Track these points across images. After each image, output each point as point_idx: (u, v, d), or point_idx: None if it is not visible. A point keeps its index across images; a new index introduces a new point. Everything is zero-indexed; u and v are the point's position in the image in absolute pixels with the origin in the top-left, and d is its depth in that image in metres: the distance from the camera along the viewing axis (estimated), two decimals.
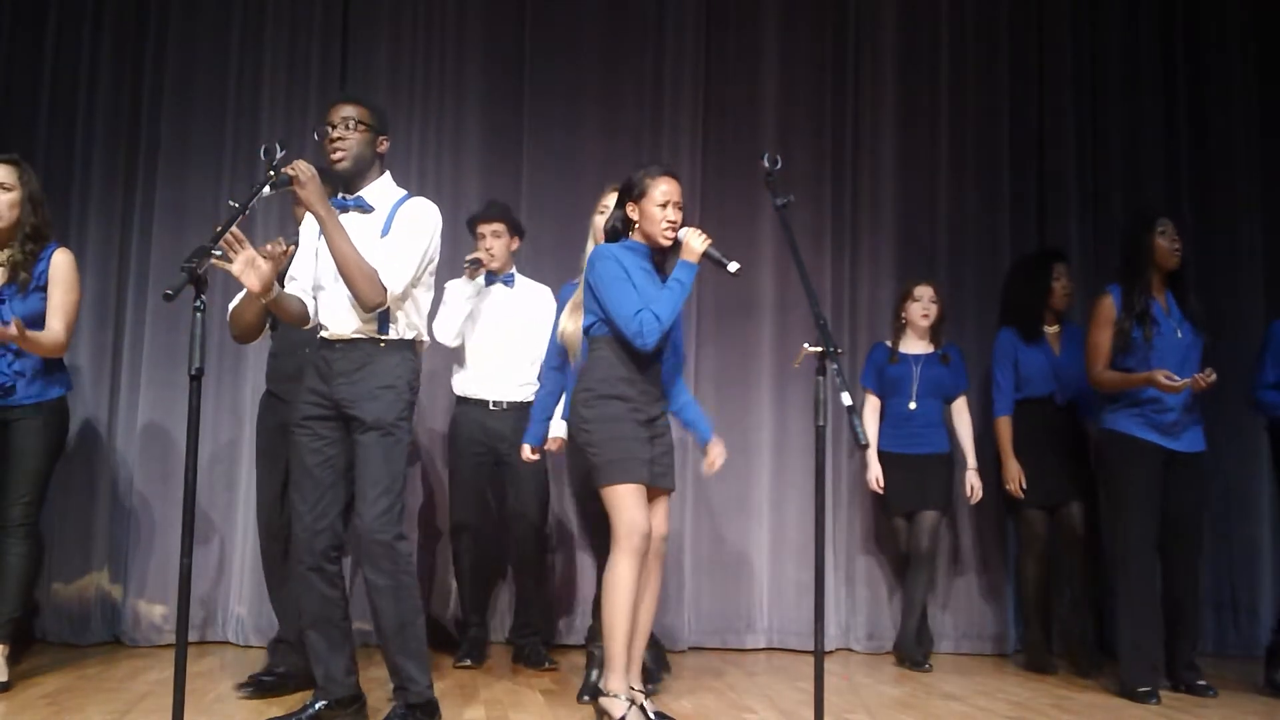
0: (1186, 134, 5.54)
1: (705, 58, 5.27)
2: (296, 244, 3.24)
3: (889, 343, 4.82)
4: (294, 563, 3.11)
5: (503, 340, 4.37)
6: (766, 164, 3.16)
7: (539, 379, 3.95)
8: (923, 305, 4.72)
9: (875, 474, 4.67)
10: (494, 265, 4.35)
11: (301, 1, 5.01)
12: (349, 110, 3.09)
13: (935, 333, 4.76)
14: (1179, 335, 4.03)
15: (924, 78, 5.42)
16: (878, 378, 4.79)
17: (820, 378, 2.87)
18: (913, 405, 4.67)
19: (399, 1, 5.11)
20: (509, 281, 4.44)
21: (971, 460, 4.70)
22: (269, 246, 3.07)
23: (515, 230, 4.45)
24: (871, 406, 4.76)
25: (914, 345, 4.77)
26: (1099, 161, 5.50)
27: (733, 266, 3.21)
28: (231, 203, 2.85)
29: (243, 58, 4.96)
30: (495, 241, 4.35)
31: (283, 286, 3.13)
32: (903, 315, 4.78)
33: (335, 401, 3.04)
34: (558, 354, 3.76)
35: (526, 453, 3.83)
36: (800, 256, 3.09)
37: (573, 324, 3.65)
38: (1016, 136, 5.45)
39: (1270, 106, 5.56)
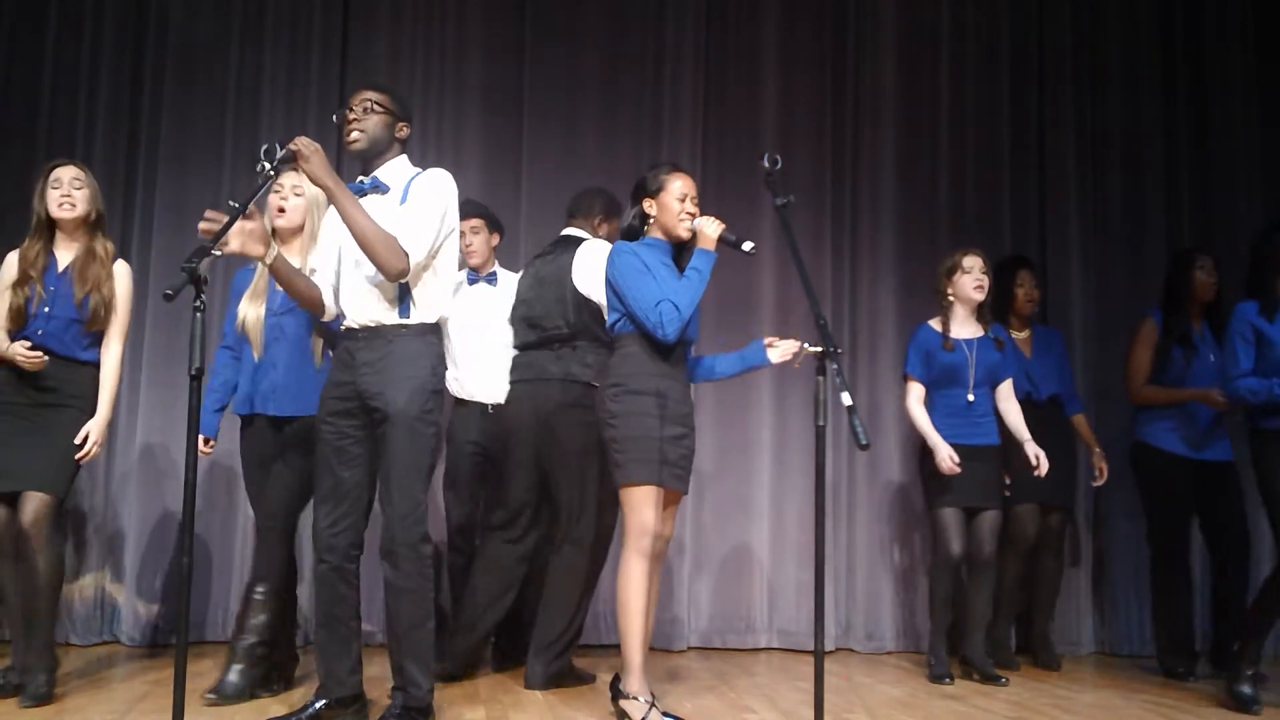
0: (1186, 132, 5.55)
1: (705, 58, 5.28)
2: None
3: (935, 325, 4.33)
4: (315, 560, 3.09)
5: (491, 340, 4.34)
6: (766, 164, 3.16)
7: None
8: (974, 276, 4.27)
9: (947, 451, 4.14)
10: (474, 262, 4.33)
11: (302, 2, 5.02)
12: (368, 94, 3.10)
13: (982, 311, 4.33)
14: (1211, 359, 4.40)
15: (924, 78, 5.43)
16: (926, 364, 4.29)
17: (820, 378, 2.86)
18: (971, 397, 4.26)
19: (399, 1, 5.11)
20: (492, 280, 4.39)
21: (1025, 434, 4.29)
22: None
23: (494, 226, 4.41)
24: (916, 395, 4.30)
25: (965, 328, 4.31)
26: (1099, 160, 5.51)
27: (747, 246, 3.22)
28: (232, 203, 2.84)
29: (243, 58, 4.97)
30: (475, 238, 4.29)
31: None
32: (949, 292, 4.31)
33: (359, 393, 3.01)
34: (236, 342, 3.64)
35: (200, 445, 3.62)
36: (800, 256, 3.08)
37: (254, 311, 3.56)
38: (1016, 136, 5.46)
39: (1270, 103, 5.57)
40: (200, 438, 3.65)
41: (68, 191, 3.50)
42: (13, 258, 3.56)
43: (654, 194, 3.37)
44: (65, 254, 3.55)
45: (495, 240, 4.42)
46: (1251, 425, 3.86)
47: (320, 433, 3.09)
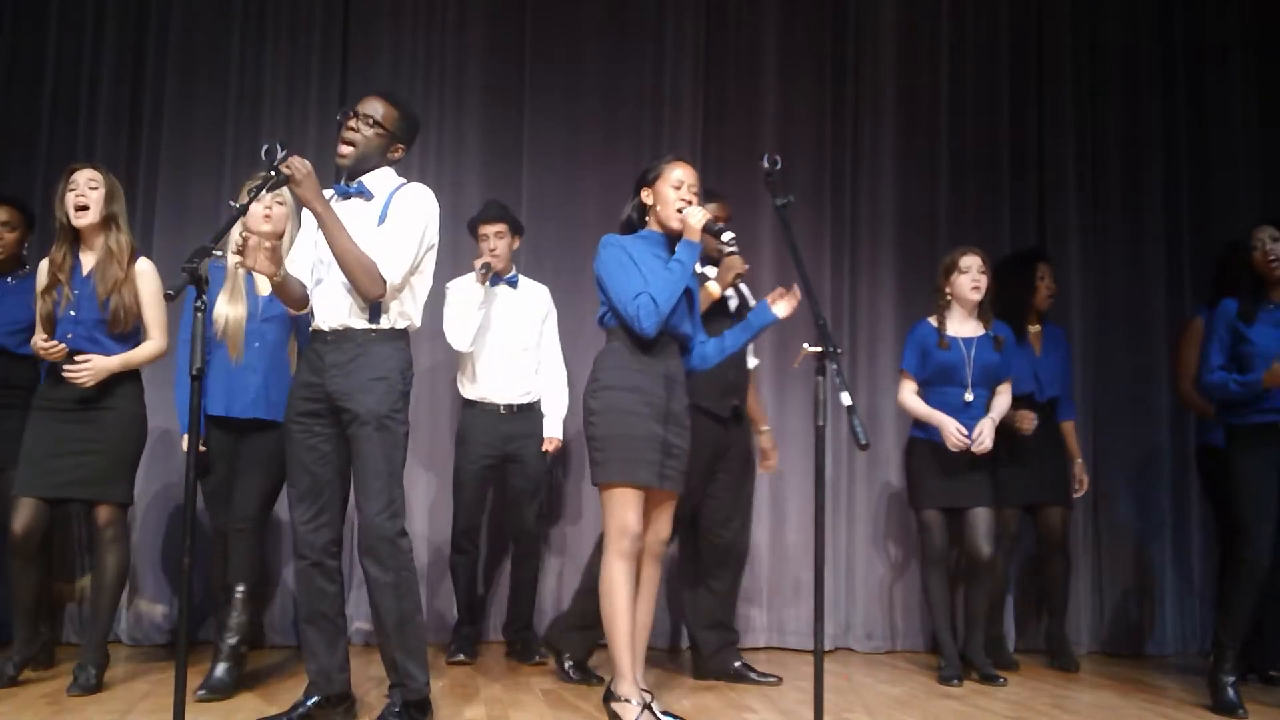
0: (1185, 131, 5.56)
1: (705, 58, 5.28)
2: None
3: (933, 321, 4.30)
4: (294, 558, 3.11)
5: (511, 342, 4.38)
6: (766, 164, 3.14)
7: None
8: (971, 277, 4.22)
9: (954, 425, 4.10)
10: (498, 266, 4.35)
11: (302, 2, 5.02)
12: (375, 106, 3.08)
13: (983, 309, 4.28)
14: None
15: (924, 78, 5.43)
16: (922, 362, 4.26)
17: (820, 378, 2.86)
18: (969, 396, 4.19)
19: (399, 1, 5.12)
20: (513, 283, 4.44)
21: (994, 413, 4.22)
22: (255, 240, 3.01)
23: (516, 229, 4.44)
24: (910, 389, 4.28)
25: (963, 326, 4.26)
26: (1099, 160, 5.51)
27: (727, 236, 3.19)
28: (233, 203, 2.85)
29: (243, 58, 4.97)
30: (499, 242, 4.34)
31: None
32: (947, 291, 4.27)
33: (328, 394, 3.01)
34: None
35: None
36: (800, 256, 3.08)
37: (235, 313, 3.61)
38: (1016, 136, 5.46)
39: (1270, 102, 5.57)
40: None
41: (83, 192, 3.59)
42: (44, 265, 3.66)
43: (651, 183, 3.30)
44: (89, 257, 3.65)
45: (516, 243, 4.47)
46: (1221, 420, 3.93)
47: (290, 433, 3.08)
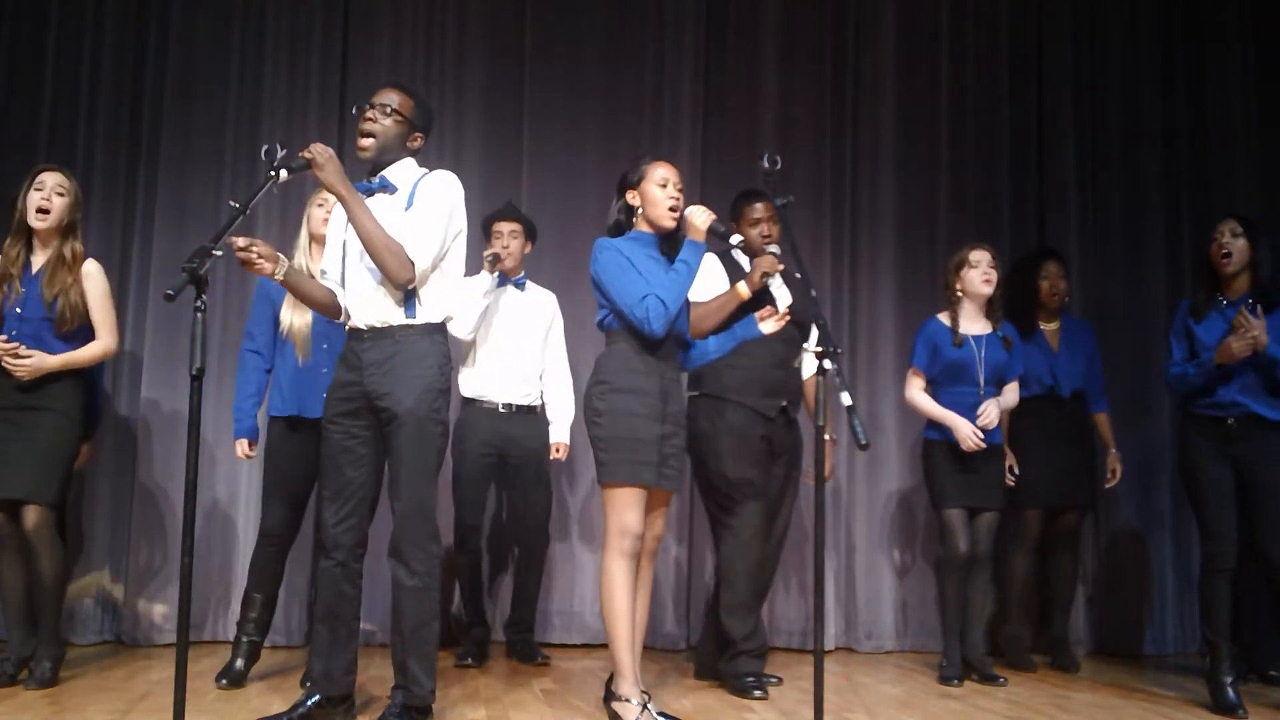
0: (1185, 130, 5.55)
1: (705, 58, 5.28)
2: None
3: (944, 319, 4.27)
4: (320, 558, 3.11)
5: (512, 343, 4.38)
6: (766, 164, 3.16)
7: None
8: (981, 270, 4.20)
9: (970, 429, 4.10)
10: (509, 265, 4.36)
11: (302, 2, 5.02)
12: (390, 96, 3.08)
13: (991, 307, 4.26)
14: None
15: (924, 78, 5.43)
16: (933, 359, 4.23)
17: (820, 378, 2.87)
18: (981, 395, 4.19)
19: (399, 1, 5.12)
20: (520, 285, 4.46)
21: (994, 418, 4.17)
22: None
23: (530, 233, 4.48)
24: (918, 386, 4.26)
25: (974, 324, 4.25)
26: (1099, 161, 5.51)
27: (735, 239, 3.21)
28: (233, 203, 2.84)
29: (243, 58, 4.97)
30: (513, 241, 4.38)
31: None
32: (958, 287, 4.25)
33: (366, 394, 3.01)
34: (266, 345, 3.74)
35: (244, 447, 3.78)
36: (800, 256, 3.09)
37: (300, 318, 3.65)
38: (1016, 136, 5.46)
39: (1269, 101, 5.57)
40: (245, 441, 3.78)
41: (47, 195, 3.60)
42: None
43: (636, 184, 3.32)
44: (40, 256, 3.66)
45: (528, 247, 4.49)
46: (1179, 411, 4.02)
47: (327, 433, 3.08)
